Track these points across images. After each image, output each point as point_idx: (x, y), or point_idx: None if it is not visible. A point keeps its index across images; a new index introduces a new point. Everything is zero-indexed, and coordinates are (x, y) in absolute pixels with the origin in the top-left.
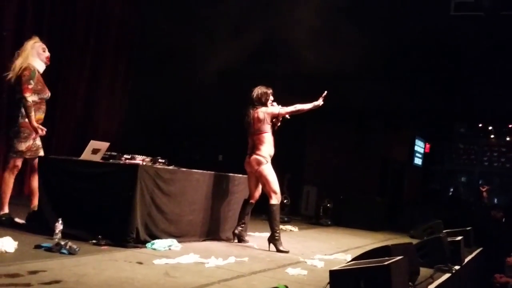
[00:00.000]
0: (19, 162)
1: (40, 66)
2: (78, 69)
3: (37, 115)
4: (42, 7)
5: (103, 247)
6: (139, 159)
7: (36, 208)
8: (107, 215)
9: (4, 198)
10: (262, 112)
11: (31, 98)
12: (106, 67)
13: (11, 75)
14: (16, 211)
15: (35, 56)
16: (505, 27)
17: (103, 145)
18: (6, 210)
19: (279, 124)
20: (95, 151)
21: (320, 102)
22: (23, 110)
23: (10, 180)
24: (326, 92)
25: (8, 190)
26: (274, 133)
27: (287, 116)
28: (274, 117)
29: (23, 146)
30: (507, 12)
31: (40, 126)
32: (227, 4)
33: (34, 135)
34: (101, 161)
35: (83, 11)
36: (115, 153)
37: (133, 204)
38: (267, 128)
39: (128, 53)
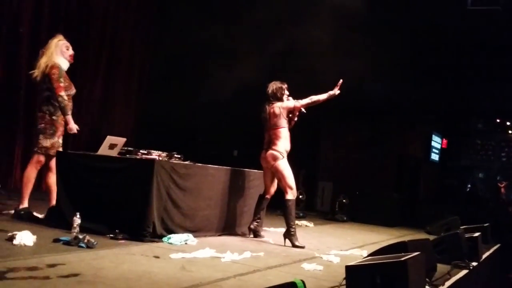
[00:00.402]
0: (42, 158)
1: (64, 64)
2: (94, 67)
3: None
4: (57, 8)
5: (120, 241)
6: (155, 154)
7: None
8: (124, 209)
9: (25, 193)
10: (278, 107)
11: (64, 95)
12: (122, 65)
13: (36, 73)
14: (34, 205)
15: (59, 54)
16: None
17: (120, 141)
18: (25, 204)
19: (296, 119)
20: (112, 146)
21: (336, 91)
22: (51, 107)
23: (32, 175)
24: (341, 80)
25: (30, 185)
26: (291, 129)
27: (303, 110)
28: (290, 111)
29: (48, 143)
30: None
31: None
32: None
33: (59, 132)
34: (118, 156)
35: (97, 13)
36: (132, 149)
37: (149, 198)
38: (284, 123)
39: (143, 53)
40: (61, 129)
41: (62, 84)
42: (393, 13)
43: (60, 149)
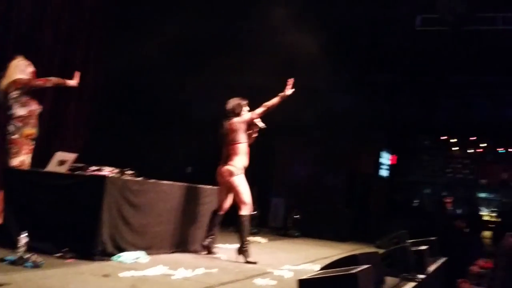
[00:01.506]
0: None
1: None
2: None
3: (25, 130)
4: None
5: (68, 260)
6: (107, 171)
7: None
8: (73, 227)
9: None
10: (236, 122)
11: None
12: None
13: None
14: None
15: (18, 73)
16: (469, 41)
17: (70, 157)
18: None
19: (255, 135)
20: (61, 163)
21: (287, 92)
22: (11, 127)
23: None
24: (292, 79)
25: None
26: (250, 145)
27: (262, 125)
28: (249, 124)
29: (15, 162)
30: (471, 27)
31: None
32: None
33: (25, 150)
34: (67, 172)
35: (50, 23)
36: (82, 165)
37: (99, 216)
38: (242, 138)
39: (97, 68)
40: (26, 147)
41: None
42: (342, 31)
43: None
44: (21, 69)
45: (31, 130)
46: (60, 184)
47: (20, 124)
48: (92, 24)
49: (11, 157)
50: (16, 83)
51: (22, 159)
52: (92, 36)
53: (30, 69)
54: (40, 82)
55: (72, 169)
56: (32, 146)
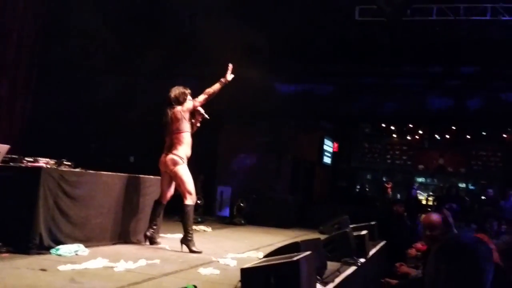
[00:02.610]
0: None
1: None
2: None
3: None
4: None
5: (3, 255)
6: (42, 162)
7: None
8: (7, 220)
9: None
10: (179, 111)
11: None
12: (6, 67)
13: None
14: None
15: None
16: (407, 31)
17: (3, 148)
18: None
19: (198, 124)
20: None
21: (228, 77)
22: None
23: None
24: (231, 65)
25: None
26: (193, 134)
27: (205, 116)
28: (192, 113)
29: None
30: (408, 18)
31: None
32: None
33: None
34: (0, 164)
35: None
36: (16, 156)
37: (35, 208)
38: (186, 127)
39: (30, 56)
40: None
41: None
42: (284, 22)
43: None
44: None
45: None
46: None
47: None
48: (25, 14)
49: None
50: None
51: None
52: (25, 27)
53: None
54: None
55: (5, 161)
56: None
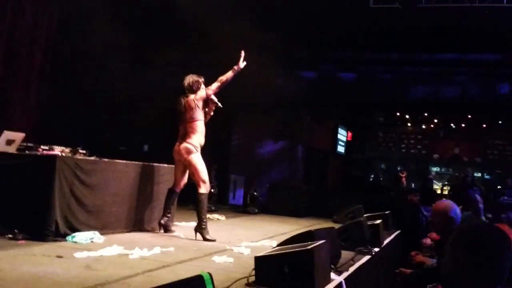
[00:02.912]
0: None
1: None
2: None
3: None
4: None
5: (20, 242)
6: (58, 150)
7: None
8: (24, 208)
9: None
10: (193, 100)
11: None
12: (21, 56)
13: None
14: None
15: None
16: (421, 18)
17: (18, 136)
18: None
19: (212, 113)
20: (9, 142)
21: (240, 64)
22: None
23: None
24: (243, 52)
25: None
26: (206, 122)
27: (219, 104)
28: (205, 101)
29: None
30: (423, 5)
31: None
32: None
33: None
34: (16, 152)
35: None
36: (32, 144)
37: (51, 196)
38: (200, 115)
39: (44, 45)
40: None
41: None
42: (296, 10)
43: None
44: None
45: None
46: (9, 164)
47: None
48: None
49: None
50: None
51: None
52: (40, 15)
53: None
54: None
55: (21, 149)
56: None
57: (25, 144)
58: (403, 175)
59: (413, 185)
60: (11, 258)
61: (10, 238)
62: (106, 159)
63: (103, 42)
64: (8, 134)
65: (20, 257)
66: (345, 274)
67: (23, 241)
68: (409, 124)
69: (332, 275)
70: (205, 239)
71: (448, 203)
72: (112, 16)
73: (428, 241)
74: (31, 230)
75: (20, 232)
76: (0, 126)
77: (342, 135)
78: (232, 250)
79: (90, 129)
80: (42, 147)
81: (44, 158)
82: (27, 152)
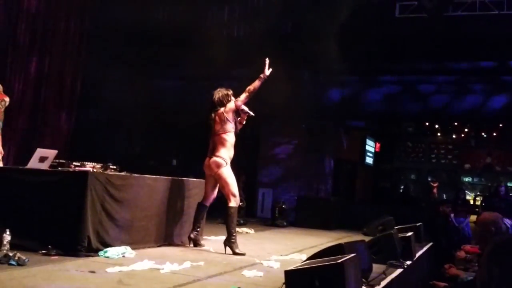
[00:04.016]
0: None
1: None
2: (23, 78)
3: None
4: None
5: (53, 257)
6: (89, 166)
7: None
8: (57, 224)
9: None
10: (222, 112)
11: None
12: (52, 76)
13: None
14: None
15: None
16: (448, 27)
17: (51, 153)
18: None
19: (244, 122)
20: (42, 159)
21: (266, 72)
22: None
23: None
24: (267, 60)
25: None
26: (237, 134)
27: (251, 113)
28: (235, 112)
29: None
30: (450, 14)
31: None
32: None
33: None
34: (49, 169)
35: (27, 19)
36: (64, 161)
37: (83, 212)
38: (229, 128)
39: (76, 60)
40: None
41: None
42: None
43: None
44: None
45: None
46: (42, 181)
47: None
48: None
49: None
50: None
51: None
52: (70, 37)
53: None
54: None
55: (54, 166)
56: None
57: (57, 161)
58: (435, 186)
59: (444, 196)
60: (46, 273)
61: (43, 254)
62: (136, 174)
63: (128, 60)
64: (41, 152)
65: (55, 272)
66: None
67: (56, 257)
68: (439, 134)
69: None
70: (234, 253)
71: (490, 215)
72: (149, 24)
73: (462, 253)
74: (64, 246)
75: (53, 248)
76: (33, 144)
77: (370, 146)
78: (262, 264)
79: (120, 144)
80: (74, 163)
81: (76, 174)
82: (59, 168)
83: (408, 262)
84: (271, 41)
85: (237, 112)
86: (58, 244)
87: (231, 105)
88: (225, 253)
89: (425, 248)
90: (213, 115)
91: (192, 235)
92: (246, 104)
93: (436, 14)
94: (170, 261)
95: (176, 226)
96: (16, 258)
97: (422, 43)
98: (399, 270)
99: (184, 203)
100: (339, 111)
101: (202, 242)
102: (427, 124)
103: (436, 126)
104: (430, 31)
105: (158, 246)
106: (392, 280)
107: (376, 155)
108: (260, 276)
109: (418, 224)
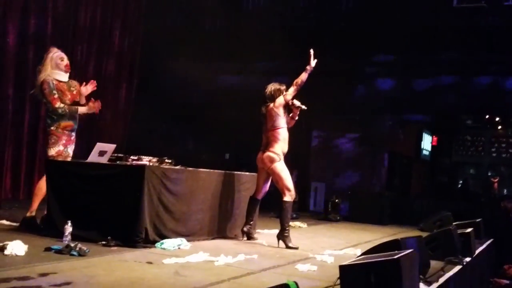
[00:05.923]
0: None
1: (61, 76)
2: (81, 75)
3: (62, 122)
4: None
5: (112, 248)
6: (145, 160)
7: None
8: (115, 216)
9: (35, 201)
10: (272, 108)
11: (60, 105)
12: (109, 73)
13: (35, 91)
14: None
15: (54, 67)
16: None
17: (110, 147)
18: (33, 213)
19: (297, 117)
20: (101, 153)
21: (311, 63)
22: (48, 120)
23: (42, 184)
24: (312, 50)
25: (39, 194)
26: (291, 127)
27: (303, 107)
28: (285, 107)
29: (53, 152)
30: (510, 3)
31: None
32: None
33: (63, 141)
34: (108, 163)
35: (84, 20)
36: (122, 155)
37: (141, 204)
38: (281, 123)
39: (131, 58)
40: (64, 138)
41: (56, 96)
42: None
43: (69, 158)
44: (56, 62)
45: (67, 122)
46: (101, 174)
47: (55, 116)
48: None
49: (48, 147)
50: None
51: (59, 149)
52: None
53: (65, 62)
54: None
55: (112, 159)
56: (72, 138)
57: (115, 155)
58: (495, 181)
59: (505, 191)
60: (106, 264)
61: (103, 245)
62: (190, 168)
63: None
64: (100, 146)
65: (114, 263)
66: (435, 285)
67: (115, 248)
68: (499, 127)
69: (421, 286)
70: (287, 247)
71: None
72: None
73: None
74: (123, 237)
75: (112, 239)
76: (89, 138)
77: (427, 139)
78: (315, 258)
79: (174, 139)
80: (132, 157)
81: (133, 168)
82: (118, 162)
83: (468, 259)
84: (327, 35)
85: (288, 107)
86: (117, 235)
87: (280, 100)
88: (278, 247)
89: (485, 245)
90: (263, 109)
91: (245, 228)
92: (297, 98)
93: (496, 3)
94: (224, 253)
95: (229, 219)
96: (77, 248)
97: (481, 33)
98: (458, 267)
99: (237, 197)
100: (395, 104)
101: (255, 235)
102: (487, 117)
103: (497, 119)
104: (487, 21)
105: (211, 239)
106: (451, 277)
107: (433, 148)
108: (314, 270)
109: (477, 220)
